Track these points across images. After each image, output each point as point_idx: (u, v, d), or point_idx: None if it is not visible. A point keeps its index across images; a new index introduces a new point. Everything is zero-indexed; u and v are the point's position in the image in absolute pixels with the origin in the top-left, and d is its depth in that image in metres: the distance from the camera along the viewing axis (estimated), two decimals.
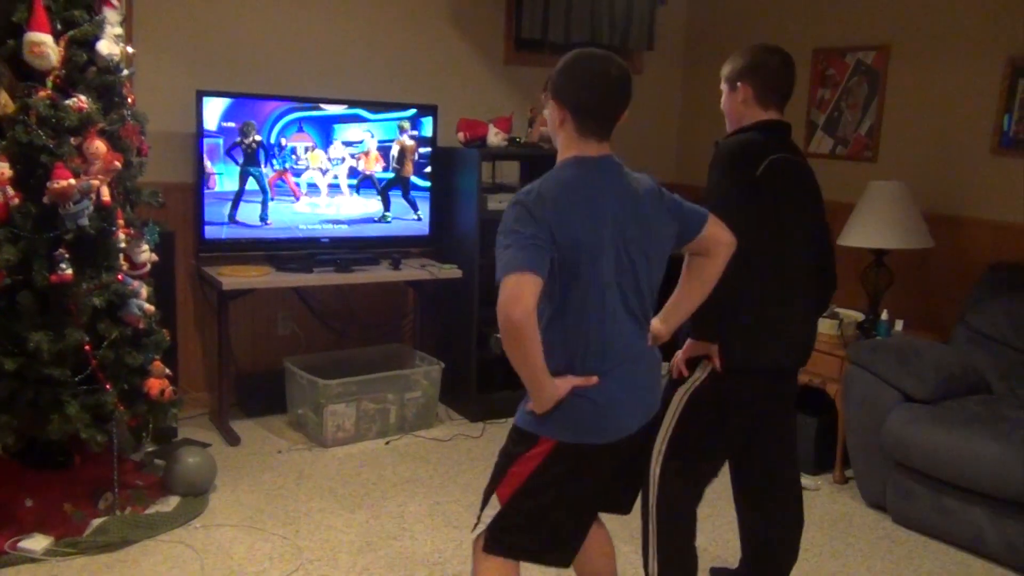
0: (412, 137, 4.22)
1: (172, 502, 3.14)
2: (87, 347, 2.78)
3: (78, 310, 2.74)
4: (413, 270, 4.17)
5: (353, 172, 4.12)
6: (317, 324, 4.41)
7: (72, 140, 2.73)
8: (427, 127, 4.25)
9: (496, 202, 4.14)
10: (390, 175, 4.20)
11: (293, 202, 4.00)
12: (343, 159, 4.08)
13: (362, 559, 2.89)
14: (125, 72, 2.99)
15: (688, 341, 2.32)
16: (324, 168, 4.05)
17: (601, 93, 1.86)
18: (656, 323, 2.09)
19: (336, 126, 4.05)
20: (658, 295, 2.03)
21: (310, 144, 4.00)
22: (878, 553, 3.10)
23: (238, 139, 3.82)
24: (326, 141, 4.03)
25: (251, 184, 3.88)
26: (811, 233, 2.39)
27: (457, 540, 3.04)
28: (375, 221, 4.21)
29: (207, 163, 3.78)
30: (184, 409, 3.46)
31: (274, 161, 3.91)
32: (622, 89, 1.87)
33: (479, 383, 4.25)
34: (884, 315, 3.72)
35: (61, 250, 2.68)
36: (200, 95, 3.73)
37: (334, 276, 3.96)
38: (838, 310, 3.80)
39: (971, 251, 3.89)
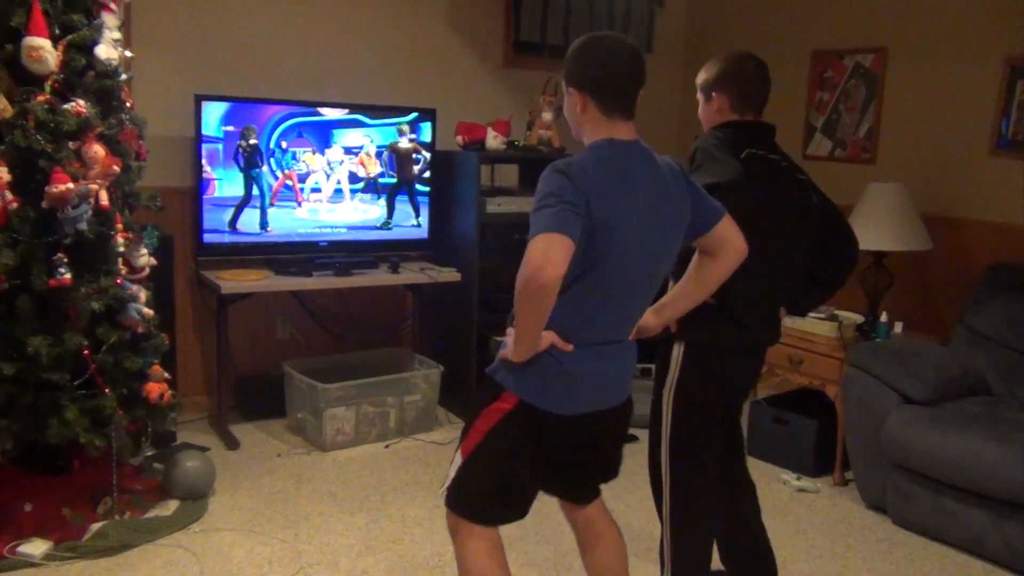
0: (412, 140, 4.22)
1: (171, 506, 3.13)
2: (86, 351, 2.78)
3: (77, 314, 2.74)
4: (412, 273, 4.16)
5: (354, 177, 4.13)
6: (316, 328, 4.41)
7: (71, 144, 2.73)
8: (426, 131, 4.25)
9: (495, 205, 4.14)
10: (392, 180, 4.20)
11: (295, 207, 4.00)
12: (342, 163, 4.09)
13: (362, 563, 2.89)
14: (123, 76, 2.99)
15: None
16: (326, 173, 4.05)
17: (619, 66, 1.87)
18: (649, 314, 2.09)
19: (336, 131, 4.05)
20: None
21: (310, 149, 4.00)
22: (878, 555, 3.10)
23: (240, 144, 3.82)
24: (325, 146, 4.03)
25: (255, 190, 3.89)
26: (787, 230, 2.34)
27: None
28: (376, 228, 4.21)
29: (207, 168, 3.78)
30: (183, 413, 3.47)
31: (273, 163, 3.91)
32: (638, 62, 1.88)
33: (479, 386, 4.23)
34: (883, 317, 3.72)
35: (60, 254, 2.68)
36: (198, 99, 3.73)
37: (333, 280, 3.96)
38: (837, 312, 3.80)
39: (970, 252, 3.89)
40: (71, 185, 2.66)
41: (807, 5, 4.58)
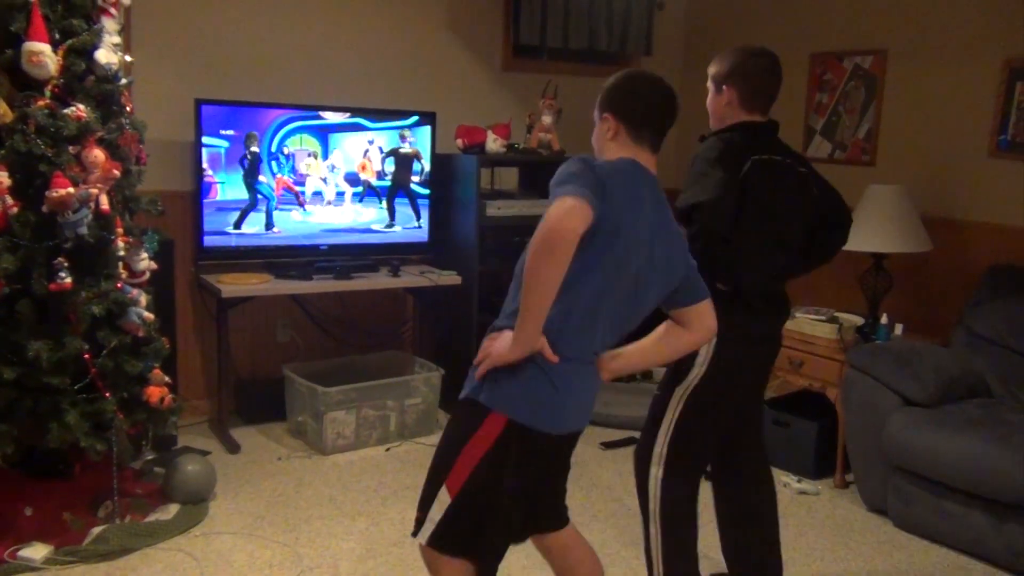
0: (412, 144, 4.23)
1: (172, 510, 3.13)
2: (86, 355, 2.78)
3: (77, 318, 2.74)
4: (412, 277, 4.16)
5: (355, 180, 4.13)
6: (316, 331, 4.41)
7: (71, 149, 2.73)
8: (426, 134, 4.25)
9: (495, 208, 4.14)
10: (389, 183, 4.21)
11: (296, 211, 4.00)
12: (343, 167, 4.09)
13: (363, 566, 2.89)
14: (123, 81, 3.00)
15: None
16: (325, 177, 4.05)
17: (659, 102, 1.96)
18: (607, 358, 1.98)
19: (336, 135, 4.05)
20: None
21: (311, 153, 4.00)
22: (879, 557, 3.10)
23: (243, 149, 3.83)
24: (326, 150, 4.04)
25: (259, 196, 3.90)
26: (793, 226, 2.43)
27: None
28: (376, 231, 4.21)
29: (208, 172, 3.79)
30: (183, 417, 3.46)
31: (274, 166, 3.92)
32: (676, 101, 1.98)
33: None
34: (883, 319, 3.72)
35: (60, 259, 2.68)
36: (199, 103, 3.73)
37: (333, 283, 3.96)
38: (837, 314, 3.80)
39: (970, 254, 3.89)
40: (71, 189, 2.66)
41: (806, 7, 4.58)
